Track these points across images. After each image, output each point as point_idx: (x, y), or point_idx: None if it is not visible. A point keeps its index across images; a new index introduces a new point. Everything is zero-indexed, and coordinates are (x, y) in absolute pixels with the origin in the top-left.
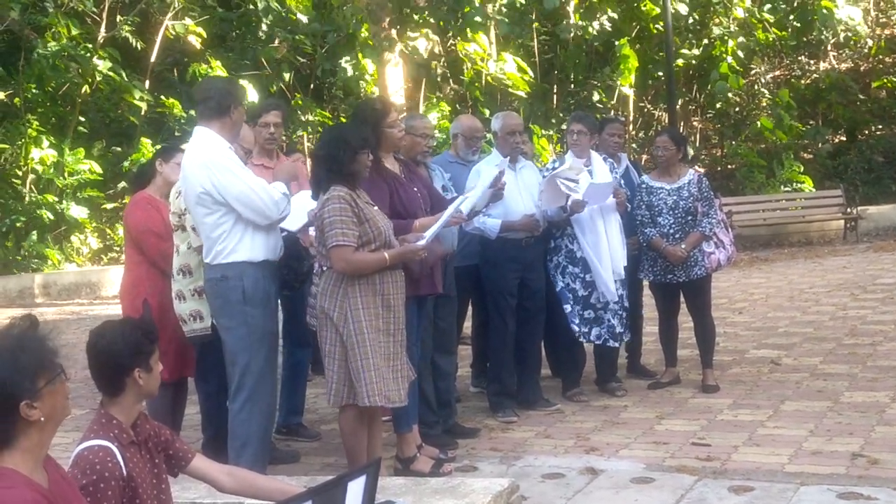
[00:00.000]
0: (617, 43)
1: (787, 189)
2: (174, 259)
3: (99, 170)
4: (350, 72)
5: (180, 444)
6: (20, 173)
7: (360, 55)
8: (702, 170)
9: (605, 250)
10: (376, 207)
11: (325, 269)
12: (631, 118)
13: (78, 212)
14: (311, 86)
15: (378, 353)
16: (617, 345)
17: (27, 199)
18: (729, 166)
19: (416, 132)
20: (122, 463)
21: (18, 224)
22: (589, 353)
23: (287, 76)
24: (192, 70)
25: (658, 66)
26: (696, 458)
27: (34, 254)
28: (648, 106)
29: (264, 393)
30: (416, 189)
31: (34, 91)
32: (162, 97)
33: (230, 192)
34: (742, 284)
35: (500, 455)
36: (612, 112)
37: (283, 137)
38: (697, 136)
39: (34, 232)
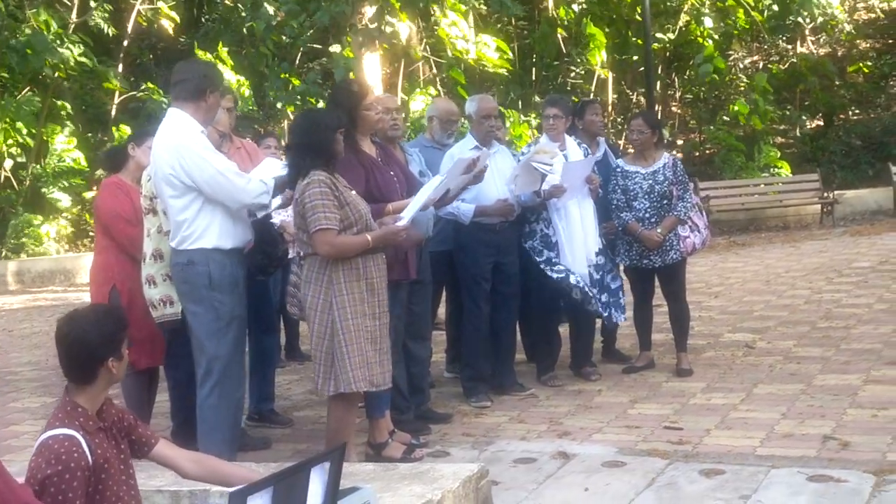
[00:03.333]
0: (584, 21)
1: (764, 174)
2: (145, 243)
3: (84, 162)
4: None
5: (143, 429)
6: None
7: (348, 39)
8: (679, 154)
9: (579, 235)
10: (354, 192)
11: (306, 256)
12: (609, 102)
13: (61, 198)
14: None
15: (364, 338)
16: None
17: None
18: (707, 151)
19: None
20: (87, 452)
21: None
22: (564, 338)
23: (269, 52)
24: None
25: (636, 51)
26: (668, 442)
27: (24, 233)
28: (627, 90)
29: (232, 379)
30: (392, 173)
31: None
32: (142, 83)
33: (200, 175)
34: (719, 269)
35: (473, 440)
36: (591, 96)
37: (258, 126)
38: (676, 120)
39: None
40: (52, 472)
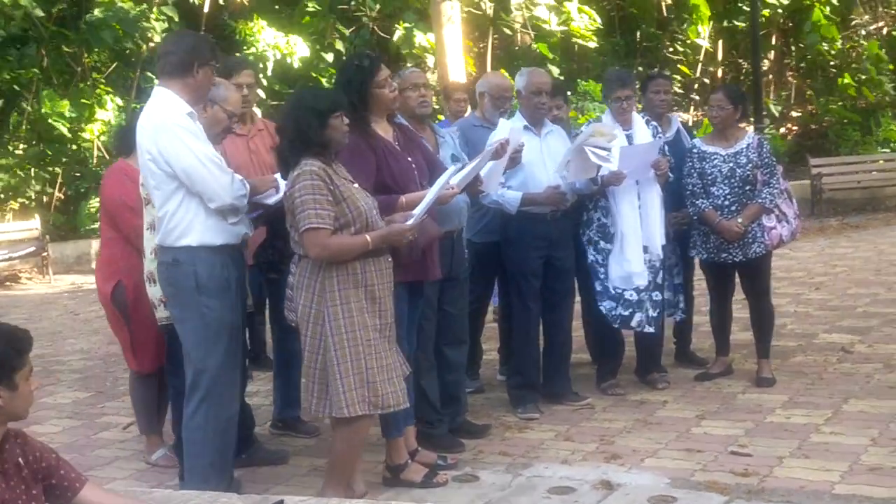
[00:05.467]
0: None
1: (884, 150)
2: (145, 237)
3: None
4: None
5: (67, 472)
6: (85, 136)
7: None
8: (794, 128)
9: (635, 227)
10: (356, 184)
11: (300, 257)
12: (720, 74)
13: None
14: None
15: (364, 353)
16: (652, 330)
17: (93, 162)
18: (823, 125)
19: (405, 86)
20: None
21: (82, 189)
22: (631, 339)
23: (341, 32)
24: (241, 29)
25: (745, 17)
26: (731, 472)
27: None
28: (739, 60)
29: (222, 395)
30: (410, 159)
31: (96, 52)
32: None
33: (178, 162)
34: (825, 255)
35: (509, 462)
36: (699, 67)
37: None
38: (792, 92)
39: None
40: None
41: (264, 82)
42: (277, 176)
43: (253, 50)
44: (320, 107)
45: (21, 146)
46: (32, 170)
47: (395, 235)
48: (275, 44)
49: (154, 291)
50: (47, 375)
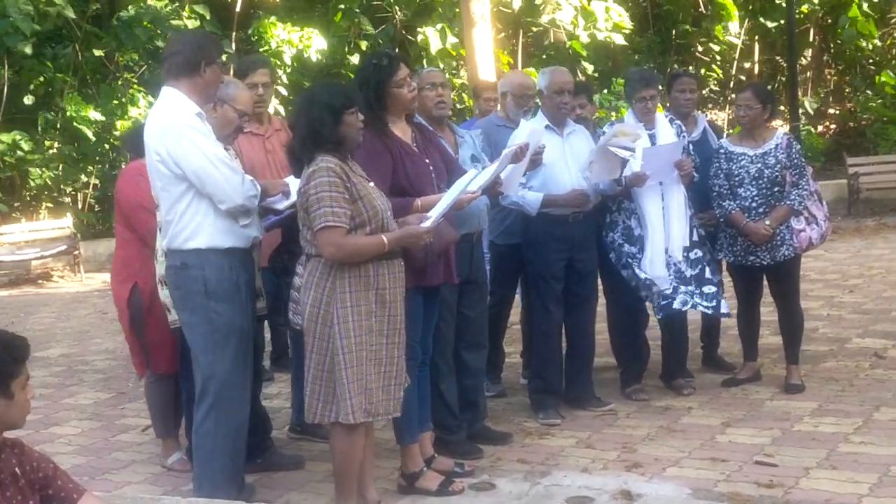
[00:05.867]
0: None
1: None
2: (157, 239)
3: None
4: (435, 43)
5: (64, 482)
6: (116, 135)
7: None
8: (833, 126)
9: (659, 229)
10: (372, 183)
11: (309, 257)
12: (756, 71)
13: None
14: (397, 50)
15: (368, 360)
16: (709, 311)
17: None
18: (863, 122)
19: (423, 85)
20: None
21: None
22: (656, 343)
23: (367, 31)
24: (254, 28)
25: (782, 13)
26: (755, 483)
27: None
28: (776, 57)
29: (232, 401)
30: (427, 161)
31: (129, 51)
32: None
33: (188, 163)
34: (861, 256)
35: (527, 469)
36: (734, 64)
37: None
38: (830, 87)
39: None
40: None
41: (284, 79)
42: (289, 179)
43: (267, 48)
44: (334, 103)
45: (56, 144)
46: (61, 167)
47: (411, 238)
48: (288, 38)
49: (166, 294)
50: (71, 375)
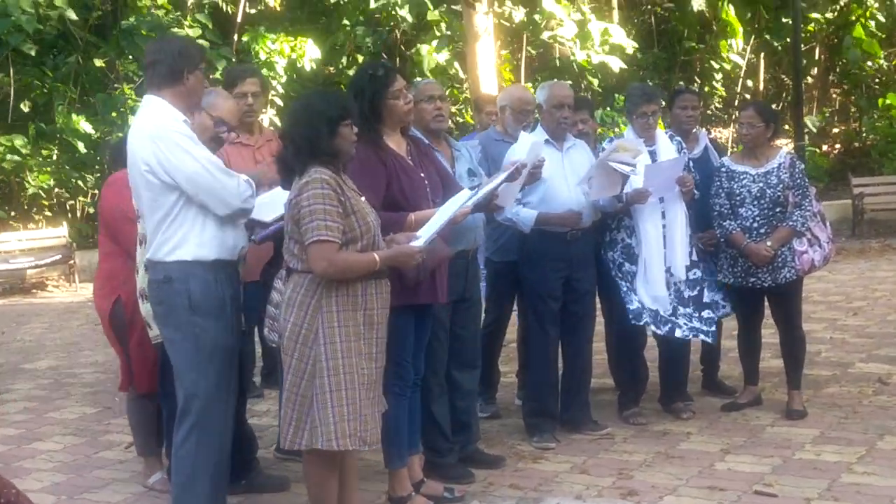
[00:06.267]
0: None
1: None
2: (138, 252)
3: None
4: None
5: None
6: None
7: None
8: (838, 146)
9: (658, 248)
10: (363, 198)
11: (292, 272)
12: (762, 88)
13: None
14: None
15: (361, 385)
16: (709, 339)
17: None
18: (868, 143)
19: (421, 98)
20: None
21: None
22: (655, 365)
23: (364, 38)
24: (247, 42)
25: (788, 32)
26: None
27: None
28: (782, 75)
29: (214, 421)
30: (423, 174)
31: (129, 60)
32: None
33: (181, 171)
34: (865, 278)
35: (520, 495)
36: (740, 82)
37: None
38: (836, 106)
39: None
40: None
41: (279, 89)
42: (277, 190)
43: (257, 59)
44: (331, 113)
45: (55, 151)
46: (56, 174)
47: (404, 257)
48: (280, 49)
49: (146, 309)
50: (58, 388)
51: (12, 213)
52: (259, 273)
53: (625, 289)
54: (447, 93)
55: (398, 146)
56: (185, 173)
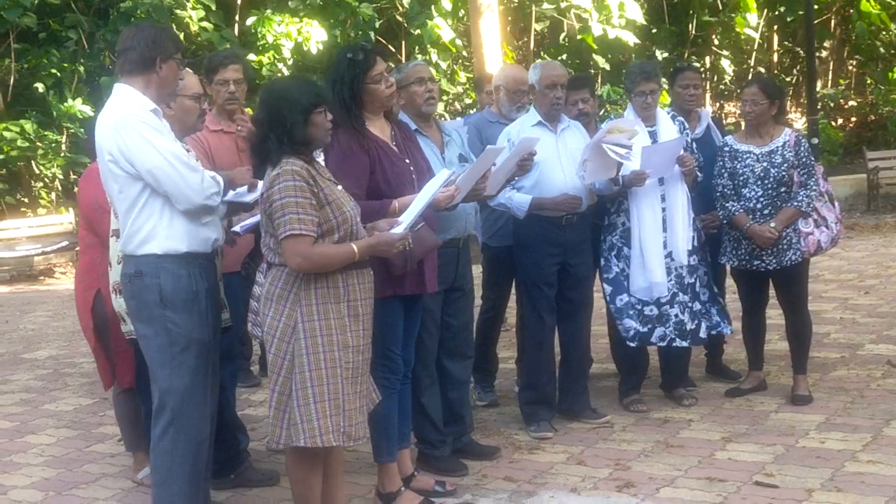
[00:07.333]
0: None
1: None
2: (111, 245)
3: None
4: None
5: None
6: None
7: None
8: (853, 119)
9: (656, 232)
10: (340, 187)
11: (270, 265)
12: (775, 61)
13: None
14: (404, 42)
15: (345, 379)
16: (686, 344)
17: None
18: (884, 115)
19: (409, 81)
20: None
21: None
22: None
23: (369, 19)
24: (253, 24)
25: (799, 4)
26: None
27: None
28: (796, 49)
29: (191, 417)
30: (408, 161)
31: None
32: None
33: (141, 162)
34: (879, 255)
35: (513, 488)
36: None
37: None
38: (852, 81)
39: None
40: None
41: (285, 72)
42: None
43: (264, 42)
44: (304, 101)
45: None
46: (61, 157)
47: (383, 245)
48: (286, 31)
49: (120, 303)
50: (56, 379)
51: (23, 199)
52: (240, 264)
53: (620, 305)
54: (452, 72)
55: (382, 132)
56: (145, 165)
